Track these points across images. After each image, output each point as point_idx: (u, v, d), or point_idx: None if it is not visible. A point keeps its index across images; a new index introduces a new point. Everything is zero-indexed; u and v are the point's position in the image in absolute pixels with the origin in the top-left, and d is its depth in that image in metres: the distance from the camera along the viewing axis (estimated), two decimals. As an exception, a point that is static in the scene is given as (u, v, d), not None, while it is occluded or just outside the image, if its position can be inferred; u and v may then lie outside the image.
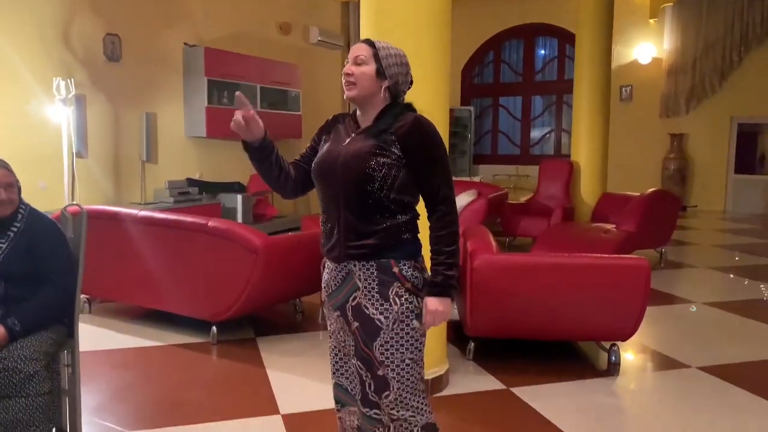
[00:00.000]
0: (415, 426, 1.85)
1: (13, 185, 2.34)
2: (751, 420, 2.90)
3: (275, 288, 3.94)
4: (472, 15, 12.39)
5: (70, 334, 2.43)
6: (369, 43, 1.84)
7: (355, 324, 1.83)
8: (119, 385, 3.25)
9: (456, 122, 11.82)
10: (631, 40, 11.25)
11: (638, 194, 6.39)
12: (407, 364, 1.82)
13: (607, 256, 3.71)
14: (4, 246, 2.30)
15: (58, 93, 5.67)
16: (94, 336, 4.00)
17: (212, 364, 3.62)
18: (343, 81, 1.84)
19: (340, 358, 1.98)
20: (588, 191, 7.47)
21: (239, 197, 7.47)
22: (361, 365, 1.85)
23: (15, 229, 2.34)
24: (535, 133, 12.72)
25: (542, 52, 12.64)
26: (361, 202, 1.79)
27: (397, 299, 1.80)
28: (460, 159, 11.92)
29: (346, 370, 1.96)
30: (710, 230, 9.07)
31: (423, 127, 1.80)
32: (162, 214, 4.05)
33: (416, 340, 1.83)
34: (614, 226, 5.98)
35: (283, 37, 9.02)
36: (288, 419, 2.85)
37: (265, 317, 4.45)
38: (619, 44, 10.85)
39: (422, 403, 1.87)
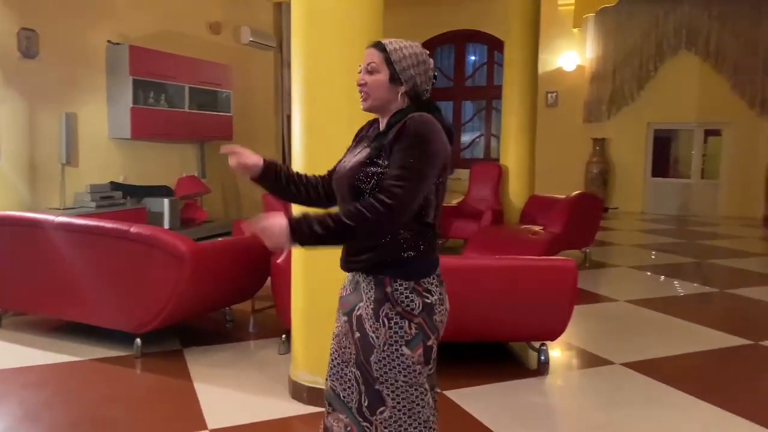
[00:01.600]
0: None
1: None
2: (670, 412, 3.04)
3: (203, 296, 3.81)
4: (405, 21, 12.49)
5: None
6: (379, 47, 1.72)
7: (357, 334, 1.75)
8: (31, 405, 3.04)
9: (390, 125, 11.89)
10: (557, 48, 11.67)
11: (564, 196, 6.61)
12: (401, 385, 1.69)
13: (536, 258, 3.80)
14: None
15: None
16: (4, 352, 3.74)
17: (136, 379, 3.45)
18: (359, 91, 1.74)
19: (338, 364, 1.85)
20: (516, 193, 7.67)
21: (166, 201, 7.21)
22: (359, 375, 1.76)
23: None
24: (466, 138, 12.98)
25: (472, 58, 12.91)
26: None
27: (386, 321, 1.68)
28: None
29: (342, 377, 1.82)
30: (630, 231, 9.51)
31: (408, 123, 1.63)
32: (81, 220, 3.83)
33: (408, 366, 1.69)
34: (542, 227, 6.16)
35: (214, 37, 8.79)
36: (217, 433, 2.75)
37: (192, 327, 4.29)
38: (545, 52, 11.21)
39: (422, 431, 1.74)
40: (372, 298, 1.71)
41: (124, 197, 6.99)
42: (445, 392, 3.23)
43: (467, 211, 7.49)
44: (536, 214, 7.09)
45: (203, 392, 3.19)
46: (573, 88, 11.69)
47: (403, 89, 1.70)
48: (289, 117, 9.66)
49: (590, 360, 3.83)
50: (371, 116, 1.87)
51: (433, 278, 1.72)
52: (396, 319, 1.67)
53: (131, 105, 7.01)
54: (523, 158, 7.75)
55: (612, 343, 4.09)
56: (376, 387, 1.72)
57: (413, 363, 1.69)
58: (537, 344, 3.77)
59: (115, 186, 6.97)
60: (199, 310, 4.06)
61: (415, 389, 1.70)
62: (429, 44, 12.79)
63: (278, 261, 3.69)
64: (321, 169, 2.91)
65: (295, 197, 1.91)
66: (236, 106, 8.72)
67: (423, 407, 1.72)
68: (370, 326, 1.71)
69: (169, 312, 3.58)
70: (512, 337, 3.84)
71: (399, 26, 12.41)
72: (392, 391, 1.70)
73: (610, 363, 3.71)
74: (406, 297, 1.68)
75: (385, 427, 1.72)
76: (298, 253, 3.06)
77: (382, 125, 1.75)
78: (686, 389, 3.28)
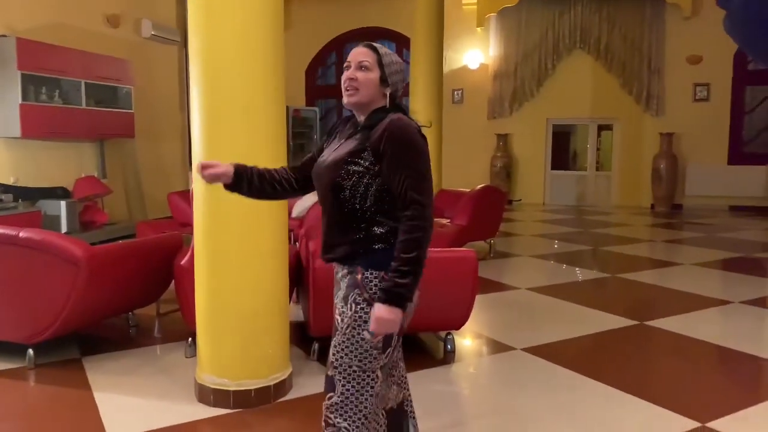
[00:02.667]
0: None
1: None
2: (568, 393, 3.25)
3: (102, 302, 3.66)
4: (313, 17, 12.47)
5: None
6: (372, 48, 1.82)
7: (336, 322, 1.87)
8: None
9: (302, 122, 11.83)
10: (462, 46, 12.04)
11: (469, 190, 6.86)
12: (354, 371, 1.78)
13: (438, 249, 3.93)
14: None
15: None
16: None
17: (29, 392, 3.27)
18: (345, 86, 1.80)
19: None
20: (425, 189, 7.83)
21: (63, 203, 6.81)
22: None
23: None
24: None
25: (382, 54, 13.05)
26: (336, 211, 1.80)
27: (353, 305, 1.78)
28: (306, 159, 11.94)
29: None
30: (532, 221, 10.00)
31: (392, 127, 1.74)
32: (-39, 227, 3.56)
33: (365, 351, 1.78)
34: (449, 220, 6.36)
35: (112, 30, 8.37)
36: (118, 442, 2.66)
37: (92, 334, 4.10)
38: (450, 50, 11.57)
39: (364, 420, 1.80)
40: (345, 284, 1.83)
41: (16, 200, 6.53)
42: (354, 385, 3.28)
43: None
44: (444, 208, 7.29)
45: (104, 402, 3.07)
46: (477, 85, 12.11)
47: (388, 90, 1.82)
48: (195, 114, 9.43)
49: (494, 347, 4.02)
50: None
51: None
52: (362, 305, 1.77)
53: (20, 101, 6.55)
54: (430, 154, 7.93)
55: (514, 330, 4.31)
56: (330, 373, 1.82)
57: (371, 347, 1.78)
58: (443, 334, 3.91)
59: (4, 188, 6.51)
60: (99, 317, 3.89)
61: (367, 375, 1.79)
62: (339, 41, 12.81)
63: (181, 263, 3.61)
64: (222, 161, 2.89)
65: (270, 195, 2.00)
66: (138, 102, 8.36)
67: (371, 395, 1.81)
68: (339, 310, 1.83)
69: (65, 320, 3.41)
70: (419, 327, 3.95)
71: (309, 21, 12.41)
72: (343, 377, 1.79)
73: (513, 349, 3.91)
74: (375, 285, 1.77)
75: (331, 413, 1.81)
76: (200, 255, 3.02)
77: (360, 119, 1.85)
78: (582, 371, 3.50)
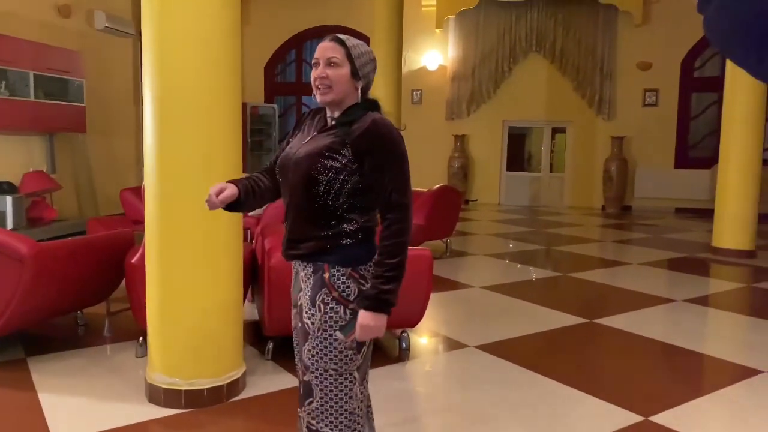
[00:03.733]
0: None
1: None
2: (518, 389, 3.33)
3: (49, 301, 3.55)
4: (273, 13, 12.35)
5: None
6: (339, 41, 1.75)
7: (299, 325, 1.80)
8: None
9: (260, 119, 11.70)
10: (421, 47, 12.13)
11: (426, 190, 6.93)
12: (330, 375, 1.74)
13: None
14: None
15: None
16: None
17: (-30, 393, 3.16)
18: (315, 84, 1.74)
19: (296, 355, 1.91)
20: (384, 188, 7.87)
21: (9, 199, 6.57)
22: (300, 366, 1.83)
23: None
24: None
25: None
26: (307, 205, 1.74)
27: (322, 306, 1.73)
28: (265, 156, 11.81)
29: (299, 370, 1.88)
30: (488, 221, 10.16)
31: (377, 129, 1.70)
32: None
33: (340, 353, 1.73)
34: (406, 220, 6.40)
35: (63, 21, 8.11)
36: (64, 445, 2.59)
37: (38, 333, 3.98)
38: (410, 51, 11.64)
39: (347, 423, 1.76)
40: (310, 285, 1.76)
41: (-44, 195, 6.27)
42: (309, 384, 3.28)
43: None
44: (402, 208, 7.34)
45: (49, 403, 2.98)
46: (436, 86, 12.22)
47: (360, 84, 1.76)
48: (149, 108, 9.22)
49: (448, 344, 4.08)
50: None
51: (370, 265, 1.75)
52: (332, 304, 1.72)
53: (-36, 92, 6.30)
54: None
55: (468, 328, 4.39)
56: (306, 378, 1.77)
57: (345, 348, 1.74)
58: (398, 332, 3.94)
59: (-56, 183, 6.24)
60: (45, 316, 3.78)
61: (345, 378, 1.75)
62: (298, 38, 12.73)
63: (132, 260, 3.54)
64: (176, 157, 2.85)
65: (257, 206, 1.93)
66: (90, 96, 8.13)
67: (351, 398, 1.76)
68: (306, 313, 1.76)
69: (9, 318, 3.30)
70: (375, 326, 3.98)
71: (268, 17, 12.28)
72: (320, 381, 1.75)
73: (466, 346, 3.97)
74: (343, 283, 1.72)
75: (312, 418, 1.76)
76: (152, 252, 2.97)
77: (333, 114, 1.79)
78: (533, 368, 3.58)
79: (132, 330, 3.95)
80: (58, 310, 3.82)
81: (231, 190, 1.78)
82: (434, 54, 12.16)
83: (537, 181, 12.50)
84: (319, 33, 12.51)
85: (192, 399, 2.92)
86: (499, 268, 6.67)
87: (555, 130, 12.49)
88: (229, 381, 3.03)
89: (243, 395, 3.12)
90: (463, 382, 3.45)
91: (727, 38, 1.00)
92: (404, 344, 3.87)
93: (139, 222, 6.53)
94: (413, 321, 3.77)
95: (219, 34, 2.86)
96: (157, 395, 2.96)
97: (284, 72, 13.19)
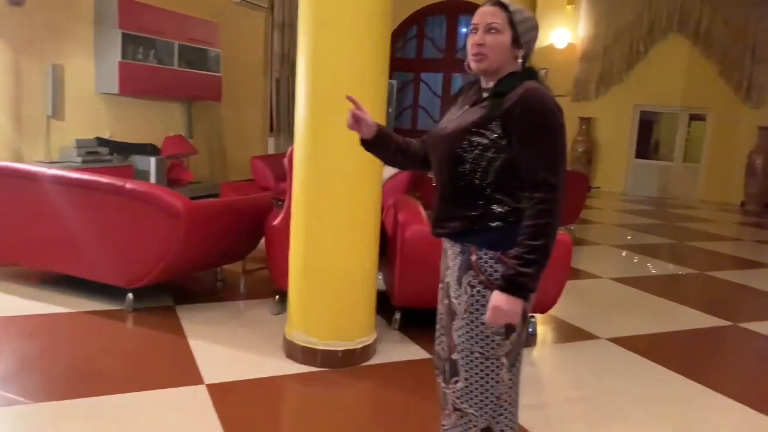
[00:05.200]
0: (474, 425, 1.72)
1: None
2: (657, 387, 3.15)
3: (197, 255, 3.80)
4: (398, -13, 12.31)
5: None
6: (501, 6, 1.64)
7: (446, 301, 1.76)
8: (26, 353, 3.03)
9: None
10: (549, 24, 11.62)
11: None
12: (476, 357, 1.68)
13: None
14: None
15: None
16: (-6, 302, 3.71)
17: (128, 333, 3.46)
18: (472, 51, 1.64)
19: (438, 329, 1.85)
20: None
21: (153, 160, 7.09)
22: (445, 342, 1.77)
23: None
24: (454, 111, 12.93)
25: (464, 30, 12.81)
26: (453, 184, 1.67)
27: (468, 288, 1.67)
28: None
29: (440, 342, 1.83)
30: (612, 210, 9.66)
31: (530, 99, 1.57)
32: (75, 174, 3.77)
33: (486, 337, 1.66)
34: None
35: (204, -7, 8.57)
36: (213, 389, 2.77)
37: (183, 285, 4.28)
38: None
39: (493, 407, 1.70)
40: (457, 266, 1.70)
41: (111, 154, 6.87)
42: (436, 357, 3.28)
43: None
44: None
45: (197, 348, 3.21)
46: (563, 65, 11.68)
47: (521, 53, 1.65)
48: (278, 81, 9.56)
49: (577, 334, 3.92)
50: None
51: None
52: (479, 287, 1.65)
53: (120, 59, 6.85)
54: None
55: (597, 319, 4.20)
56: (453, 356, 1.72)
57: (492, 333, 1.66)
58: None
59: (101, 142, 6.85)
60: (192, 268, 4.06)
61: (491, 362, 1.68)
62: (420, 14, 12.63)
63: (273, 224, 3.69)
64: (324, 129, 2.93)
65: (398, 164, 1.93)
66: (224, 66, 8.57)
67: (497, 383, 1.69)
68: (454, 292, 1.71)
69: (162, 269, 3.57)
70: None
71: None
72: (467, 363, 1.69)
73: (596, 337, 3.81)
74: (490, 267, 1.64)
75: (457, 398, 1.73)
76: (298, 218, 3.07)
77: (487, 85, 1.69)
78: (673, 366, 3.36)
79: (264, 289, 4.15)
80: (202, 264, 4.08)
81: (366, 118, 1.79)
82: (563, 31, 11.63)
83: (667, 171, 11.69)
84: (442, 9, 12.35)
85: (327, 359, 3.02)
86: (627, 259, 6.33)
87: (692, 117, 11.58)
88: (362, 346, 3.10)
89: (372, 361, 3.18)
90: (597, 374, 3.30)
91: None
92: (531, 329, 3.78)
93: (267, 188, 6.86)
94: (545, 307, 3.66)
95: (372, 11, 2.88)
96: (294, 352, 3.09)
97: (404, 48, 13.18)
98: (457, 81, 12.90)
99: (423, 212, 3.64)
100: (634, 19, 11.21)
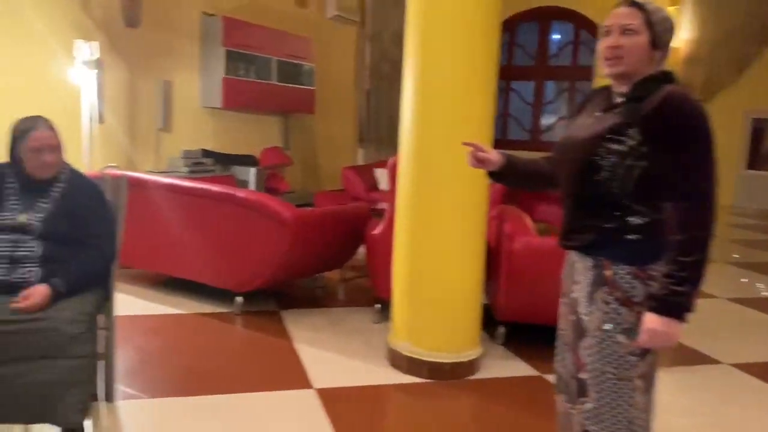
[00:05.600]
0: None
1: (59, 147, 2.27)
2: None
3: (301, 261, 3.88)
4: (489, -4, 12.19)
5: (106, 297, 2.40)
6: (638, 6, 1.54)
7: (572, 317, 1.68)
8: (149, 350, 3.21)
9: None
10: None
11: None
12: (609, 378, 1.57)
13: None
14: (47, 206, 2.24)
15: (79, 56, 5.52)
16: (118, 301, 3.93)
17: (238, 334, 3.58)
18: (606, 55, 1.56)
19: (560, 345, 1.77)
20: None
21: (252, 170, 7.38)
22: (570, 360, 1.68)
23: (58, 190, 2.28)
24: (545, 120, 12.61)
25: (556, 36, 12.48)
26: (587, 193, 1.59)
27: (603, 305, 1.57)
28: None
29: (563, 359, 1.74)
30: (721, 224, 9.03)
31: (673, 103, 1.47)
32: (189, 183, 3.97)
33: (620, 357, 1.55)
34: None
35: (299, 10, 8.85)
36: (323, 394, 2.80)
37: (286, 291, 4.39)
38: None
39: (625, 431, 1.59)
40: (589, 280, 1.60)
41: (214, 164, 7.20)
42: (544, 375, 3.17)
43: (553, 194, 7.28)
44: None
45: (304, 353, 3.27)
46: (664, 71, 11.13)
47: (659, 55, 1.56)
48: (368, 92, 9.69)
49: (696, 357, 3.64)
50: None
51: (660, 265, 1.51)
52: (614, 305, 1.55)
53: (223, 75, 7.18)
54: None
55: (715, 342, 3.89)
56: (581, 375, 1.63)
57: (627, 353, 1.55)
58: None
59: (206, 153, 7.19)
60: (297, 275, 4.16)
61: (625, 384, 1.57)
62: (511, 21, 12.43)
63: (374, 233, 3.71)
64: (430, 142, 2.92)
65: (525, 188, 1.94)
66: (317, 79, 8.79)
67: (630, 405, 1.58)
68: (584, 308, 1.62)
69: (270, 275, 3.67)
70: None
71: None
72: (597, 384, 1.59)
73: (718, 362, 3.53)
74: (627, 282, 1.54)
75: (586, 419, 1.63)
76: (401, 224, 3.06)
77: (621, 89, 1.60)
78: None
79: (362, 296, 4.18)
80: (306, 271, 4.17)
81: (490, 156, 1.78)
82: (664, 36, 11.08)
83: (783, 183, 10.81)
84: (533, 16, 12.11)
85: (434, 370, 2.98)
86: (743, 278, 5.87)
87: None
88: (469, 359, 3.04)
89: (477, 375, 3.11)
90: (725, 402, 3.05)
91: None
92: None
93: (357, 198, 6.93)
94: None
95: (479, 23, 2.85)
96: (399, 361, 3.07)
97: (495, 57, 13.03)
98: (550, 88, 12.58)
99: (530, 223, 3.53)
100: (745, 19, 10.50)
